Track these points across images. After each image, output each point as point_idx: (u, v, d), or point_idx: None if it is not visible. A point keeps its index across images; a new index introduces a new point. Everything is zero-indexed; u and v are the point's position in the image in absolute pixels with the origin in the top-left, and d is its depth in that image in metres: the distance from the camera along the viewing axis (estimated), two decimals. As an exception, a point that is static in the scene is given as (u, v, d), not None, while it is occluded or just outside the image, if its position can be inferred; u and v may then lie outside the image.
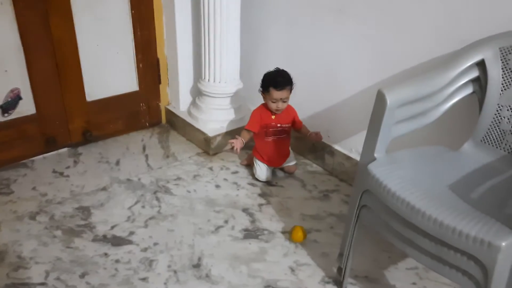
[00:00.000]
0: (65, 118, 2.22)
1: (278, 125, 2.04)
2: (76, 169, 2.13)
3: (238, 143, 1.96)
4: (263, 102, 2.05)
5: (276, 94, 1.93)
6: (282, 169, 2.17)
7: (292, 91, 1.99)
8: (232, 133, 2.33)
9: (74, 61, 2.15)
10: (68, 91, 2.18)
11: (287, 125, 2.07)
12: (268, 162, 2.07)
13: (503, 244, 0.99)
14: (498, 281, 1.03)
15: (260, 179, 2.08)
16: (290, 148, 2.15)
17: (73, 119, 2.25)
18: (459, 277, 1.11)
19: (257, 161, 2.09)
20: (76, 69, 2.17)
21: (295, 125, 2.09)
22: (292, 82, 1.96)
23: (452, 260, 1.09)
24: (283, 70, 1.98)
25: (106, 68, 2.28)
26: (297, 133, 2.14)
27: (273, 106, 1.97)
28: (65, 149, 2.27)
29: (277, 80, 1.93)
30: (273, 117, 2.03)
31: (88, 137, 2.31)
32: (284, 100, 1.96)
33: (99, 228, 1.74)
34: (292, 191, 2.03)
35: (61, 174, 2.08)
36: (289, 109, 2.06)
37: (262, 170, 2.07)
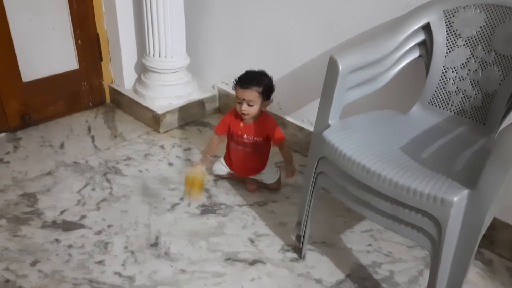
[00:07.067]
0: (0, 101, 2.07)
1: (245, 136, 1.75)
2: (17, 154, 2.00)
3: (204, 162, 1.80)
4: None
5: (240, 92, 1.66)
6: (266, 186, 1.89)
7: (265, 95, 1.69)
8: (181, 110, 2.28)
9: (5, 39, 1.99)
10: (0, 71, 2.02)
11: (255, 139, 1.76)
12: (230, 166, 1.85)
13: (455, 199, 1.04)
14: (451, 235, 1.08)
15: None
16: (270, 164, 1.85)
17: (9, 102, 2.10)
18: (414, 234, 1.15)
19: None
20: (8, 47, 2.01)
21: (273, 141, 1.78)
22: (262, 84, 1.66)
23: (407, 219, 1.13)
24: (260, 71, 1.72)
25: (42, 46, 2.14)
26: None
27: (237, 107, 1.70)
28: (2, 134, 2.12)
29: (244, 77, 1.68)
30: (241, 124, 1.75)
31: (27, 121, 2.17)
32: (250, 104, 1.66)
33: (47, 214, 1.66)
34: (247, 164, 2.02)
35: (1, 160, 1.95)
36: (264, 123, 1.75)
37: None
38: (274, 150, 1.84)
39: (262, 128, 1.75)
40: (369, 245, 1.61)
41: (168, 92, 2.27)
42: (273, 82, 1.73)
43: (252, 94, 1.65)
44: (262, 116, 1.75)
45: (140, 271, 1.45)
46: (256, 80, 1.66)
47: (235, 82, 1.70)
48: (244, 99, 1.66)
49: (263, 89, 1.66)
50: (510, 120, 1.33)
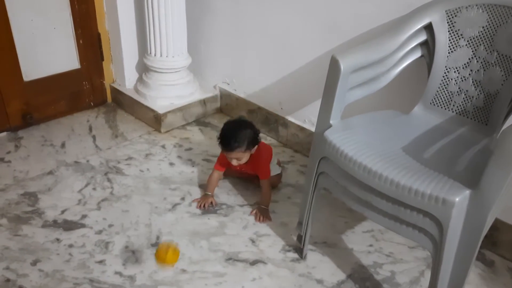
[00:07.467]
0: (1, 101, 2.07)
1: (242, 170, 1.79)
2: (18, 153, 2.00)
3: (206, 200, 1.74)
4: None
5: (225, 153, 1.66)
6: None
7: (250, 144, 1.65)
8: (183, 110, 2.27)
9: (6, 38, 1.99)
10: (2, 71, 2.03)
11: (252, 172, 1.78)
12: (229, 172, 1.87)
13: (457, 199, 1.04)
14: (453, 235, 1.08)
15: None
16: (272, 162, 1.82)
17: (10, 101, 2.10)
18: (415, 234, 1.15)
19: None
20: (9, 47, 2.01)
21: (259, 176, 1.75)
22: (244, 143, 1.61)
23: (409, 219, 1.13)
24: (239, 123, 1.69)
25: (43, 45, 2.14)
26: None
27: (228, 160, 1.69)
28: (3, 134, 2.12)
29: (224, 139, 1.63)
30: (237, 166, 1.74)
31: (28, 120, 2.17)
32: (238, 159, 1.66)
33: (48, 214, 1.66)
34: (248, 164, 2.02)
35: (2, 159, 1.95)
36: (258, 159, 1.72)
37: None
38: (275, 151, 1.83)
39: (256, 163, 1.73)
40: (370, 245, 1.61)
41: (170, 92, 2.27)
42: (256, 129, 1.68)
43: (237, 154, 1.64)
44: (256, 153, 1.71)
45: (141, 271, 1.45)
46: (236, 140, 1.60)
47: (218, 141, 1.66)
48: (231, 158, 1.65)
49: (246, 145, 1.63)
50: (512, 120, 1.33)
